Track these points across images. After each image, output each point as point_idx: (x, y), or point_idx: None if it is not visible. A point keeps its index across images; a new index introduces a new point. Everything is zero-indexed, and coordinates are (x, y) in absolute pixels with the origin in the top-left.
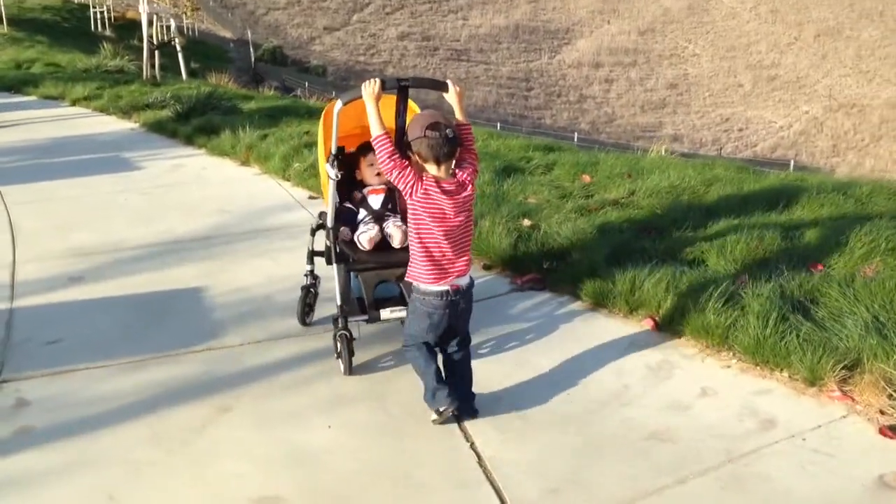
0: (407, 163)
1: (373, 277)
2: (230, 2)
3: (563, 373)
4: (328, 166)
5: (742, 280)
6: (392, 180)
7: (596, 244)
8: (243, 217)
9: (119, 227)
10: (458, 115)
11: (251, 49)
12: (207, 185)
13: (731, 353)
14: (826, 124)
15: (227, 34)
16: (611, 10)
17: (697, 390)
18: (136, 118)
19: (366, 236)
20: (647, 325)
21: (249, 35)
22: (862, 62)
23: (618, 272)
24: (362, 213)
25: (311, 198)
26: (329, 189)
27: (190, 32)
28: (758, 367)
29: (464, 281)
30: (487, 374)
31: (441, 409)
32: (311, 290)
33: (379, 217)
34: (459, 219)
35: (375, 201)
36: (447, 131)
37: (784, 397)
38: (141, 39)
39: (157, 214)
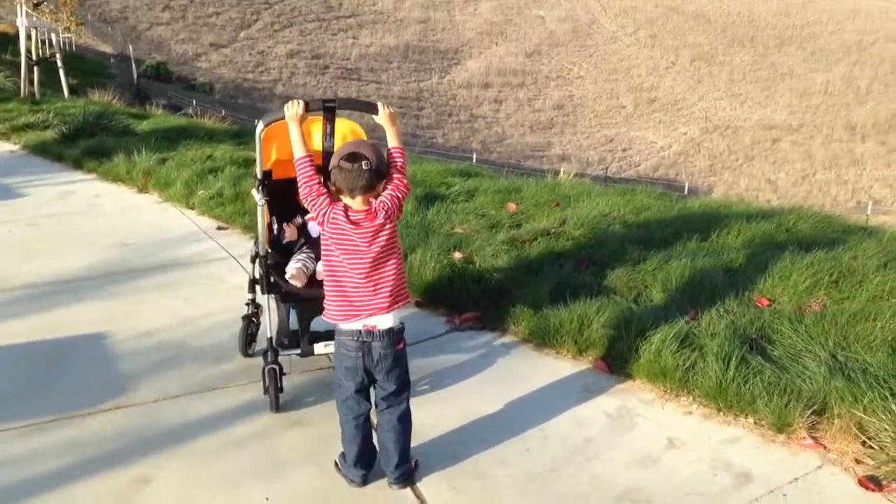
0: (324, 190)
1: (308, 310)
2: (110, 16)
3: (517, 422)
4: (254, 191)
5: (691, 315)
6: (307, 206)
7: (535, 279)
8: (146, 250)
9: (4, 262)
10: (391, 139)
11: (133, 65)
12: (102, 214)
13: (691, 398)
14: (703, 145)
15: (107, 49)
16: (498, 32)
17: (664, 441)
18: (16, 139)
19: (292, 269)
20: (599, 367)
21: (131, 50)
22: (734, 86)
23: (563, 310)
24: (299, 241)
25: (219, 228)
26: (258, 214)
27: (67, 47)
28: (721, 413)
29: (383, 322)
30: (434, 423)
31: (349, 481)
32: (253, 319)
33: (315, 244)
34: (374, 250)
35: (315, 229)
36: (363, 163)
37: (754, 447)
38: (14, 54)
39: (47, 248)
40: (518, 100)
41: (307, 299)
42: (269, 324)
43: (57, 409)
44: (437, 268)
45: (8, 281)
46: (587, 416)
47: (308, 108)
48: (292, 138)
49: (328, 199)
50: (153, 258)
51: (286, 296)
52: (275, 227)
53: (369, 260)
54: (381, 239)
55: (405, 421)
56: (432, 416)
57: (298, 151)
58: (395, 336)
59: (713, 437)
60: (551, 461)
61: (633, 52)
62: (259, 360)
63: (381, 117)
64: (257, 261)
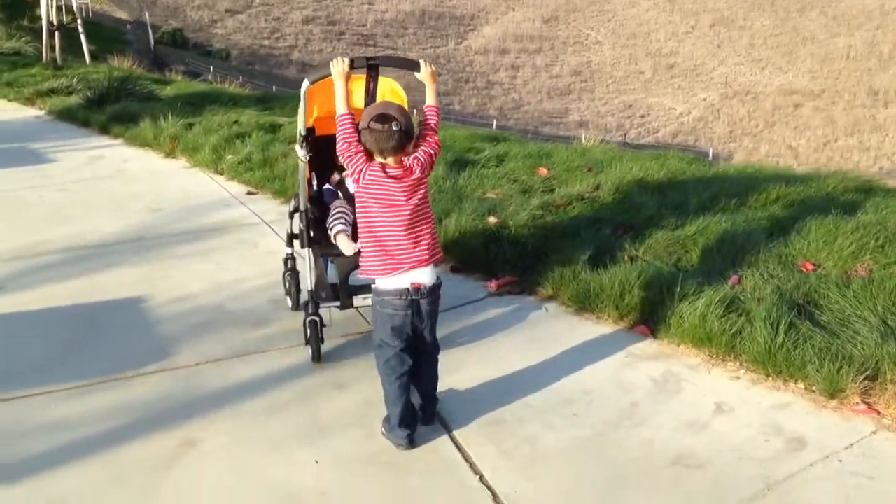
0: (362, 148)
1: (347, 263)
2: None
3: (561, 387)
4: (298, 147)
5: (734, 280)
6: (343, 163)
7: (573, 243)
8: (177, 215)
9: (37, 227)
10: (429, 97)
11: (150, 31)
12: (132, 179)
13: (738, 363)
14: (723, 111)
15: (123, 15)
16: None
17: (711, 406)
18: (41, 105)
19: (340, 240)
20: (641, 331)
21: (147, 17)
22: (755, 51)
23: (603, 274)
24: (338, 198)
25: (249, 193)
26: (300, 171)
27: (83, 13)
28: (769, 378)
29: (427, 279)
30: (477, 387)
31: (397, 444)
32: (297, 270)
33: (352, 200)
34: (412, 203)
35: (352, 186)
36: (393, 124)
37: (805, 412)
38: (32, 20)
39: (78, 213)
40: (535, 66)
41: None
42: (308, 277)
43: (101, 371)
44: (473, 232)
45: (43, 245)
46: (632, 380)
47: (353, 66)
48: (336, 95)
49: (365, 157)
50: (184, 223)
51: (327, 248)
52: (314, 183)
53: (408, 213)
54: (419, 193)
55: (437, 362)
56: (474, 380)
57: (340, 108)
58: (437, 291)
59: (763, 403)
60: (600, 426)
61: (651, 17)
62: (298, 325)
63: (423, 74)
64: (296, 216)
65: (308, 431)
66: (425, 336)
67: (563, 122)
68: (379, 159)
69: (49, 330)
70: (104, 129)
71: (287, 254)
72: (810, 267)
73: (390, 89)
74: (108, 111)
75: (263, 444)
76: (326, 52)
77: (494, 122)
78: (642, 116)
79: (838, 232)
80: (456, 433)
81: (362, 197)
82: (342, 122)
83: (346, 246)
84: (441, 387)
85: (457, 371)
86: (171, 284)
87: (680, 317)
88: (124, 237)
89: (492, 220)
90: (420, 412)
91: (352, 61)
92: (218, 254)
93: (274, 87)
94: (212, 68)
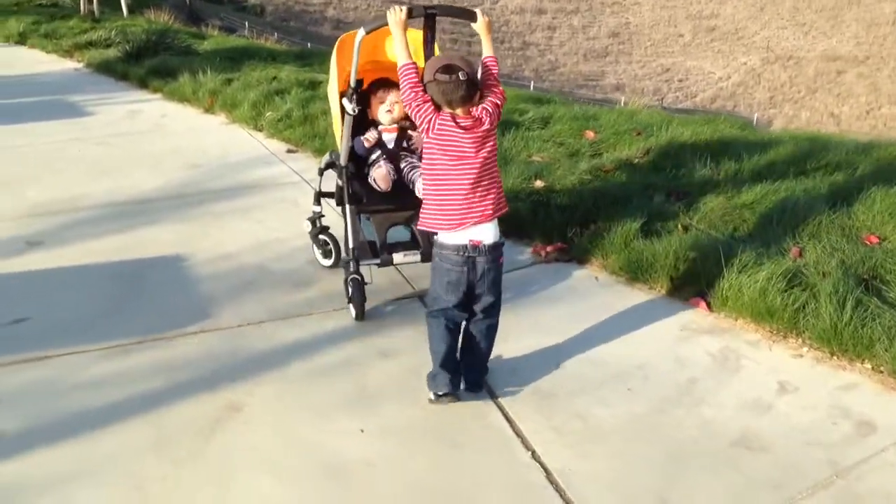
0: (429, 97)
1: (385, 220)
2: None
3: (614, 360)
4: (346, 101)
5: (795, 253)
6: (410, 113)
7: (623, 210)
8: (217, 172)
9: (77, 181)
10: (486, 48)
11: None
12: (171, 134)
13: (801, 340)
14: (763, 76)
15: None
16: None
17: (775, 385)
18: (80, 57)
19: (379, 172)
20: (697, 305)
21: None
22: (799, 14)
23: (656, 243)
24: (376, 152)
25: (289, 151)
26: (345, 126)
27: None
28: (834, 357)
29: (487, 236)
30: (529, 363)
31: (438, 394)
32: (328, 229)
33: (393, 157)
34: (482, 156)
35: (389, 140)
36: (460, 74)
37: (874, 394)
38: None
39: (118, 167)
40: (572, 27)
41: (387, 209)
42: (347, 235)
43: (142, 330)
44: (519, 196)
45: (82, 199)
46: (689, 355)
47: (411, 14)
48: (396, 44)
49: (433, 107)
50: (224, 180)
51: (367, 205)
52: (350, 139)
53: (478, 165)
54: (487, 145)
55: (495, 330)
56: (522, 349)
57: (402, 58)
58: (498, 250)
59: (828, 383)
60: (657, 402)
61: None
62: (340, 287)
63: (479, 25)
64: (326, 173)
65: (353, 399)
66: (483, 296)
67: (600, 84)
68: (447, 110)
69: (88, 287)
70: (142, 83)
71: (315, 213)
72: (875, 240)
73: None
74: (147, 65)
75: (308, 411)
76: (361, 10)
77: (532, 84)
78: (680, 81)
79: None
80: (505, 405)
81: (431, 148)
82: (406, 72)
83: (383, 182)
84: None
85: (504, 340)
86: (211, 242)
87: (738, 290)
88: (163, 193)
89: (539, 183)
90: (466, 378)
91: (409, 10)
92: (258, 212)
93: (309, 44)
94: (247, 24)
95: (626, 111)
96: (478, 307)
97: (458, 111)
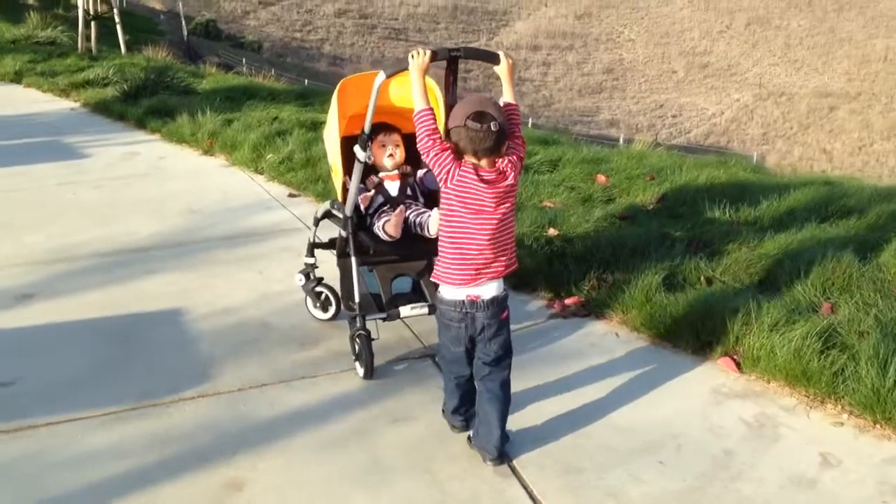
0: (448, 145)
1: (389, 271)
2: None
3: (643, 428)
4: (357, 148)
5: (826, 308)
6: (427, 162)
7: (643, 261)
8: (216, 218)
9: (72, 227)
10: (507, 93)
11: (183, 22)
12: (169, 177)
13: (840, 406)
14: (756, 112)
15: (157, 5)
16: None
17: (817, 458)
18: (76, 97)
19: (390, 224)
20: (726, 365)
21: (181, 7)
22: (791, 51)
23: (679, 297)
24: (378, 199)
25: (291, 195)
26: (354, 174)
27: (119, 2)
28: (878, 426)
29: (487, 291)
30: (552, 430)
31: (451, 426)
32: (322, 281)
33: (398, 205)
34: (501, 211)
35: (392, 188)
36: (492, 124)
37: None
38: (68, 9)
39: (114, 213)
40: (567, 63)
41: (393, 260)
42: (353, 288)
43: (137, 395)
44: (533, 246)
45: (77, 248)
46: (723, 423)
47: (435, 58)
48: (414, 90)
49: (453, 156)
50: (224, 227)
51: (373, 256)
52: (348, 185)
53: (496, 221)
54: (508, 201)
55: (507, 388)
56: (545, 414)
57: (420, 104)
58: (499, 305)
59: (874, 455)
60: (692, 478)
61: (685, 15)
62: (346, 346)
63: (502, 68)
64: (323, 223)
65: (366, 472)
66: (487, 350)
67: (595, 120)
68: (470, 160)
69: (81, 346)
70: (140, 124)
71: (307, 265)
72: None
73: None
74: (145, 105)
75: (316, 485)
76: (358, 46)
77: (530, 121)
78: (674, 116)
79: None
80: (529, 481)
81: (449, 199)
82: (424, 118)
83: (394, 229)
84: (509, 424)
85: (524, 404)
86: (212, 296)
87: (771, 350)
88: (162, 241)
89: (552, 232)
90: (485, 447)
91: (434, 53)
92: (260, 262)
93: (306, 81)
94: (244, 60)
95: (636, 153)
96: (481, 360)
97: (483, 162)
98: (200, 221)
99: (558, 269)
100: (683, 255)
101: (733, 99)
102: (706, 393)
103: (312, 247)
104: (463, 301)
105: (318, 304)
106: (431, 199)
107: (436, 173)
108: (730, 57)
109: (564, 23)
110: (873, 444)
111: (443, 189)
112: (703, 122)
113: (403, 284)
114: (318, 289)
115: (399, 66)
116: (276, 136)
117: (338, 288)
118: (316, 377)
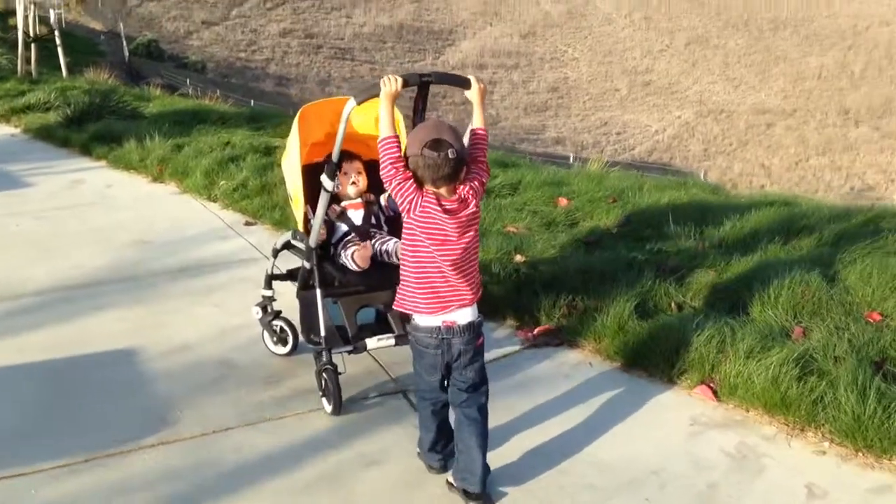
0: (411, 174)
1: (354, 302)
2: None
3: (623, 463)
4: (324, 177)
5: (798, 333)
6: (390, 191)
7: (612, 287)
8: (169, 248)
9: (14, 262)
10: (476, 118)
11: (124, 42)
12: (117, 206)
13: (821, 434)
14: (697, 129)
15: (97, 26)
16: (492, 13)
17: (802, 490)
18: (17, 122)
19: (358, 254)
20: (703, 394)
21: (122, 27)
22: (729, 69)
23: (652, 324)
24: (341, 229)
25: (247, 223)
26: (320, 204)
27: (58, 24)
28: (860, 454)
29: (463, 317)
30: (531, 468)
31: (429, 466)
32: (280, 314)
33: (364, 234)
34: (465, 240)
35: (356, 216)
36: (449, 151)
37: None
38: (6, 30)
39: (59, 245)
40: (512, 82)
41: (359, 291)
42: (319, 321)
43: (91, 445)
44: (501, 274)
45: (19, 285)
46: (705, 455)
47: (406, 84)
48: (382, 117)
49: (416, 185)
50: (178, 258)
51: (339, 287)
52: (311, 215)
53: (460, 250)
54: (472, 228)
55: (485, 414)
56: (519, 450)
57: (386, 130)
58: (475, 331)
59: (859, 485)
60: None
61: (627, 35)
62: (312, 382)
63: (473, 92)
64: (282, 254)
65: None
66: (463, 377)
67: (541, 138)
68: (430, 188)
69: (26, 391)
70: (85, 150)
71: (265, 297)
72: (878, 317)
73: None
74: (90, 130)
75: None
76: (304, 66)
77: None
78: (618, 134)
79: None
80: None
81: (412, 229)
82: (388, 146)
83: (363, 259)
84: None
85: (501, 440)
86: (167, 332)
87: (749, 378)
88: (112, 275)
89: (519, 258)
90: (468, 476)
91: (405, 79)
92: (217, 294)
93: (252, 102)
94: (188, 81)
95: (594, 175)
96: (458, 387)
97: (443, 189)
98: (152, 252)
99: (527, 297)
100: (653, 280)
101: (675, 116)
102: (685, 423)
103: (270, 279)
104: (439, 327)
105: (275, 339)
106: (396, 226)
107: (398, 202)
108: (671, 75)
109: (509, 42)
110: (857, 472)
111: (406, 218)
112: (647, 139)
113: (367, 315)
114: (275, 322)
115: (370, 93)
116: (229, 162)
117: (295, 321)
118: (283, 418)
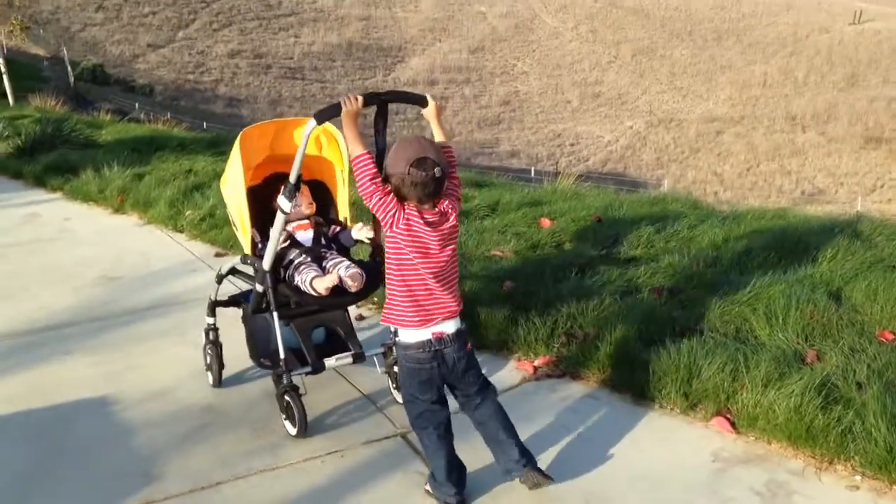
0: (390, 189)
1: (308, 323)
2: (41, 17)
3: None
4: (282, 198)
5: (812, 357)
6: (370, 206)
7: (612, 314)
8: (138, 284)
9: None
10: (437, 135)
11: (68, 68)
12: (78, 241)
13: (851, 467)
14: (649, 138)
15: (39, 52)
16: (441, 29)
17: None
18: None
19: (321, 283)
20: (720, 426)
21: (65, 53)
22: (676, 79)
23: (661, 353)
24: (293, 251)
25: (217, 255)
26: (277, 225)
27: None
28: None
29: (450, 327)
30: None
31: (444, 501)
32: (218, 342)
33: (317, 256)
34: (447, 252)
35: (305, 238)
36: (436, 170)
37: None
38: None
39: (18, 286)
40: (464, 96)
41: (305, 314)
42: (278, 345)
43: None
44: (492, 302)
45: None
46: (733, 495)
47: (366, 103)
48: (348, 136)
49: (396, 200)
50: (147, 294)
51: (295, 309)
52: (258, 238)
53: (443, 262)
54: (453, 241)
55: (502, 410)
56: (531, 496)
57: (357, 149)
58: (463, 338)
59: None
60: None
61: (575, 48)
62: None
63: (430, 110)
64: (227, 279)
65: None
66: (464, 384)
67: (496, 151)
68: (413, 204)
69: None
70: (40, 182)
71: (209, 324)
72: (890, 336)
73: (323, 129)
74: (43, 161)
75: None
76: (254, 86)
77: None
78: (572, 145)
79: None
80: None
81: (396, 242)
82: (363, 163)
83: (322, 284)
84: None
85: (517, 485)
86: (143, 377)
87: (769, 408)
88: (78, 316)
89: (509, 284)
90: (506, 466)
91: (365, 98)
92: (193, 331)
93: (205, 124)
94: (137, 105)
95: (570, 192)
96: (464, 396)
97: (425, 205)
98: (120, 289)
99: (524, 327)
100: (653, 304)
101: (627, 126)
102: (707, 460)
103: (213, 305)
104: (430, 340)
105: (207, 367)
106: (344, 251)
107: (380, 218)
108: (620, 86)
109: (459, 57)
110: None
111: (388, 233)
112: (601, 150)
113: (318, 335)
114: (210, 350)
115: (331, 113)
116: (193, 191)
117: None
118: (277, 469)
